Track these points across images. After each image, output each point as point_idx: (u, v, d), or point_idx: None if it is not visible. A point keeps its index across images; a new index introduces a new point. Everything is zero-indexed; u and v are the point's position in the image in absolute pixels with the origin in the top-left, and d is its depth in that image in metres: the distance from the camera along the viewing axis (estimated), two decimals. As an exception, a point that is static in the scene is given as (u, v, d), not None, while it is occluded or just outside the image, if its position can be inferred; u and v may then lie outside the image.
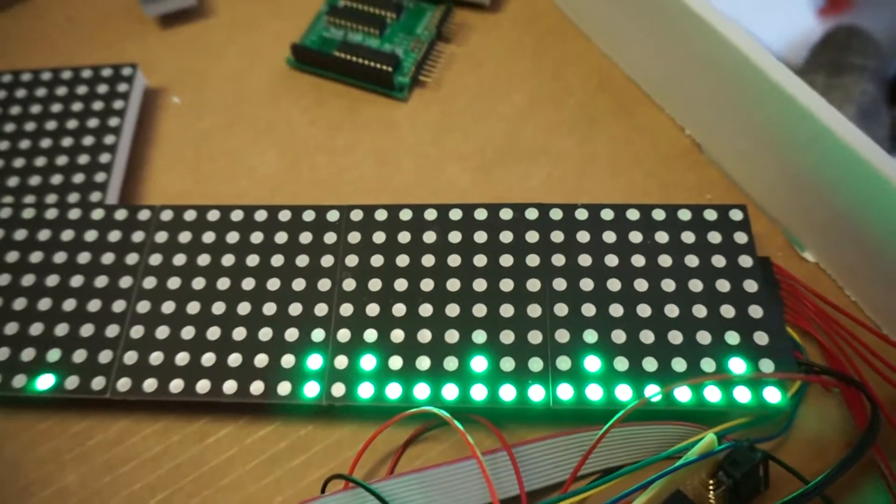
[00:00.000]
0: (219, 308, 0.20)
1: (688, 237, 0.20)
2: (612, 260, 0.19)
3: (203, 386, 0.19)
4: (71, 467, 0.19)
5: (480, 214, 0.21)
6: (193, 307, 0.20)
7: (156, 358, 0.19)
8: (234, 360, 0.19)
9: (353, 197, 0.23)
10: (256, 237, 0.21)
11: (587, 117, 0.24)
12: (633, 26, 0.24)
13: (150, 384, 0.19)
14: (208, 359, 0.19)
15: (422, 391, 0.18)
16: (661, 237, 0.20)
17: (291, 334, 0.19)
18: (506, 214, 0.20)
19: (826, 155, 0.19)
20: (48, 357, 0.19)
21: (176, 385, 0.19)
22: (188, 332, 0.19)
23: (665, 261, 0.19)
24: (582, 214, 0.20)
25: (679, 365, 0.18)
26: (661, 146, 0.23)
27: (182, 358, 0.19)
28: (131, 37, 0.27)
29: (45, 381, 0.19)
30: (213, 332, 0.19)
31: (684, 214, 0.20)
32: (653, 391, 0.18)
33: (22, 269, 0.21)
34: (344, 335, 0.19)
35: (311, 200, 0.23)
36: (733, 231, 0.20)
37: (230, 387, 0.19)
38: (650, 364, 0.18)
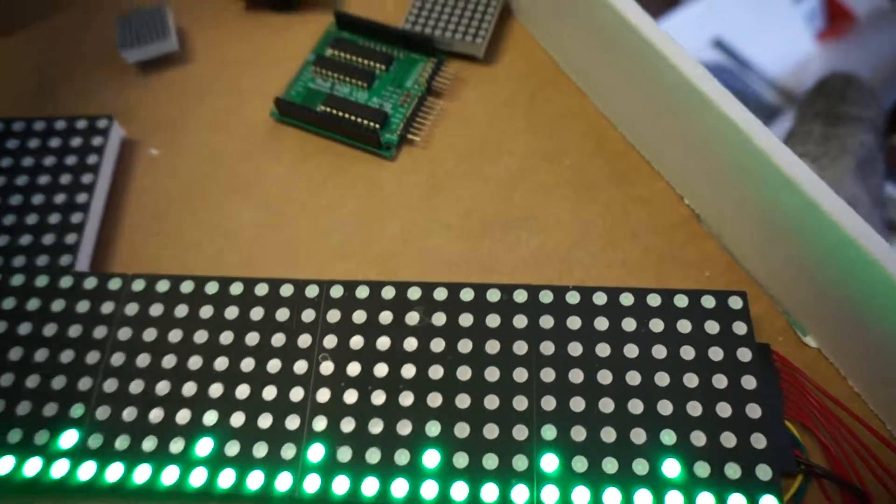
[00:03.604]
0: (189, 389, 0.19)
1: (684, 326, 0.19)
2: (603, 349, 0.19)
3: (170, 474, 0.18)
4: (30, 553, 0.18)
5: (467, 295, 0.20)
6: (163, 387, 0.19)
7: (122, 441, 0.18)
8: (204, 447, 0.18)
9: (334, 263, 0.22)
10: (231, 312, 0.20)
11: (583, 182, 0.23)
12: (631, 89, 0.23)
13: (114, 470, 0.18)
14: (177, 444, 0.18)
15: (400, 488, 0.17)
16: (657, 325, 0.19)
17: (265, 420, 0.18)
18: (493, 296, 0.19)
19: (832, 247, 0.18)
20: (9, 438, 0.18)
21: (142, 472, 0.18)
22: (156, 415, 0.18)
23: (659, 352, 0.18)
24: (573, 298, 0.19)
25: (671, 469, 0.17)
26: (659, 217, 0.23)
27: (149, 442, 0.18)
28: (109, 83, 0.26)
29: (4, 465, 0.18)
30: (183, 416, 0.18)
31: (681, 301, 0.19)
32: (643, 498, 0.17)
33: (-16, 341, 0.20)
34: (320, 423, 0.18)
35: (290, 264, 0.22)
36: (732, 320, 0.19)
37: (198, 477, 0.18)
38: (641, 467, 0.17)
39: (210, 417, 0.18)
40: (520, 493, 0.17)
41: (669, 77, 0.20)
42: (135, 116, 0.25)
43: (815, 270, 0.19)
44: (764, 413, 0.18)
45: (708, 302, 0.19)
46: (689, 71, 0.19)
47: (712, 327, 0.19)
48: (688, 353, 0.18)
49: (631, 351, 0.18)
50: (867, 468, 0.17)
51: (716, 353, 0.18)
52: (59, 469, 0.18)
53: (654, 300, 0.19)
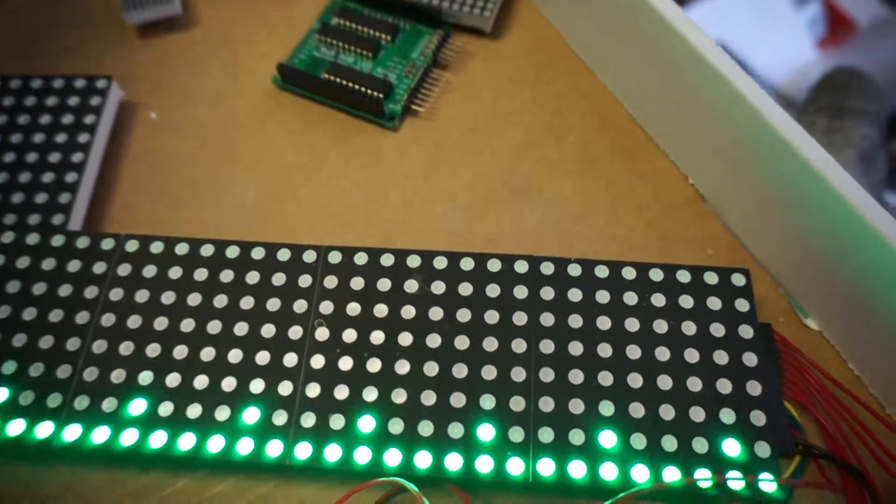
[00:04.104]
0: (180, 352, 0.18)
1: (686, 301, 0.19)
2: (604, 322, 0.18)
3: (158, 438, 0.17)
4: (14, 515, 0.18)
5: (467, 264, 0.19)
6: (153, 349, 0.18)
7: (109, 404, 0.18)
8: (194, 410, 0.18)
9: (335, 232, 0.22)
10: (226, 275, 0.19)
11: (587, 158, 0.23)
12: (641, 66, 0.22)
13: (101, 432, 0.17)
14: (166, 408, 0.18)
15: (393, 457, 0.17)
16: (658, 300, 0.19)
17: (257, 386, 0.18)
18: (494, 266, 0.19)
19: (837, 224, 0.17)
20: (-6, 396, 0.18)
21: (129, 435, 0.17)
22: (146, 378, 0.18)
23: (661, 326, 0.18)
24: (575, 270, 0.19)
25: (669, 443, 0.17)
26: (663, 194, 0.22)
27: (138, 405, 0.18)
28: (111, 45, 0.26)
29: (-12, 423, 0.18)
30: (173, 379, 0.18)
31: (683, 276, 0.19)
32: (640, 473, 0.16)
33: (-28, 297, 0.19)
34: (313, 390, 0.18)
35: (290, 233, 0.22)
36: (734, 297, 0.18)
37: (187, 440, 0.17)
38: (638, 441, 0.17)
39: (201, 381, 0.18)
40: (515, 465, 0.17)
41: (681, 54, 0.20)
42: (135, 79, 0.25)
43: (820, 250, 0.18)
44: (764, 391, 0.17)
45: (711, 278, 0.19)
46: (701, 47, 0.19)
47: (714, 303, 0.18)
48: (689, 328, 0.18)
49: (632, 325, 0.18)
50: (865, 448, 0.17)
51: (717, 330, 0.18)
52: (44, 430, 0.18)
53: (656, 275, 0.19)
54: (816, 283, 0.19)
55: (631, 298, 0.19)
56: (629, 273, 0.19)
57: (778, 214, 0.19)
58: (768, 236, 0.20)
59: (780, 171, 0.19)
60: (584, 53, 0.25)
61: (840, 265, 0.18)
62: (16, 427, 0.18)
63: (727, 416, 0.17)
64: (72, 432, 0.18)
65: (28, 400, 0.18)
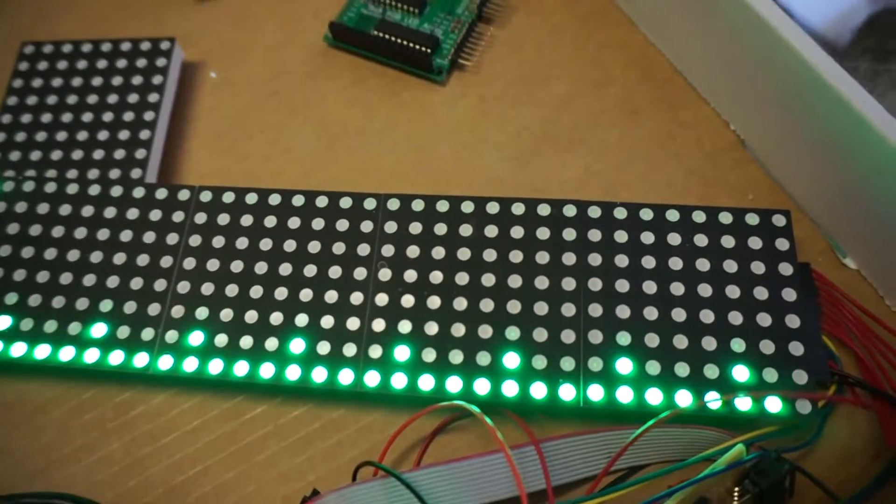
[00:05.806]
0: (256, 292, 0.20)
1: (728, 241, 0.19)
2: (649, 261, 0.19)
3: (241, 368, 0.19)
4: (115, 436, 0.20)
5: (518, 209, 0.20)
6: (231, 290, 0.20)
7: (195, 338, 0.20)
8: (271, 344, 0.19)
9: (388, 182, 0.23)
10: (294, 222, 0.21)
11: (628, 108, 0.24)
12: (681, 14, 0.23)
13: (189, 363, 0.19)
14: (246, 342, 0.20)
15: (454, 384, 0.19)
16: (701, 240, 0.20)
17: (327, 322, 0.20)
18: (543, 210, 0.20)
19: (876, 164, 0.18)
20: (93, 332, 0.20)
21: (215, 365, 0.19)
22: (227, 315, 0.20)
23: (703, 265, 0.19)
24: (620, 213, 0.20)
25: (711, 372, 0.18)
26: (705, 141, 0.23)
27: (221, 339, 0.20)
28: (170, 7, 0.27)
29: (90, 355, 0.20)
30: (251, 316, 0.20)
31: (725, 217, 0.20)
32: (683, 397, 0.18)
33: (67, 245, 0.21)
34: (378, 325, 0.19)
35: (346, 184, 0.23)
36: (775, 237, 0.19)
37: (267, 370, 0.19)
38: (682, 369, 0.18)
39: (276, 318, 0.20)
40: (567, 391, 0.18)
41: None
42: (194, 40, 0.26)
43: (860, 189, 0.19)
44: (802, 324, 0.18)
45: (752, 219, 0.20)
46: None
47: (755, 243, 0.19)
48: (730, 266, 0.19)
49: (675, 264, 0.19)
50: (900, 378, 0.18)
51: (758, 268, 0.19)
52: (140, 360, 0.20)
53: (699, 217, 0.20)
54: (855, 222, 0.20)
55: (674, 239, 0.20)
56: (673, 215, 0.20)
57: (818, 157, 0.20)
58: (808, 178, 0.21)
59: (821, 114, 0.19)
60: (625, 5, 0.25)
61: (880, 202, 0.19)
62: (116, 357, 0.20)
63: (766, 346, 0.18)
64: (165, 362, 0.20)
65: (125, 334, 0.20)
